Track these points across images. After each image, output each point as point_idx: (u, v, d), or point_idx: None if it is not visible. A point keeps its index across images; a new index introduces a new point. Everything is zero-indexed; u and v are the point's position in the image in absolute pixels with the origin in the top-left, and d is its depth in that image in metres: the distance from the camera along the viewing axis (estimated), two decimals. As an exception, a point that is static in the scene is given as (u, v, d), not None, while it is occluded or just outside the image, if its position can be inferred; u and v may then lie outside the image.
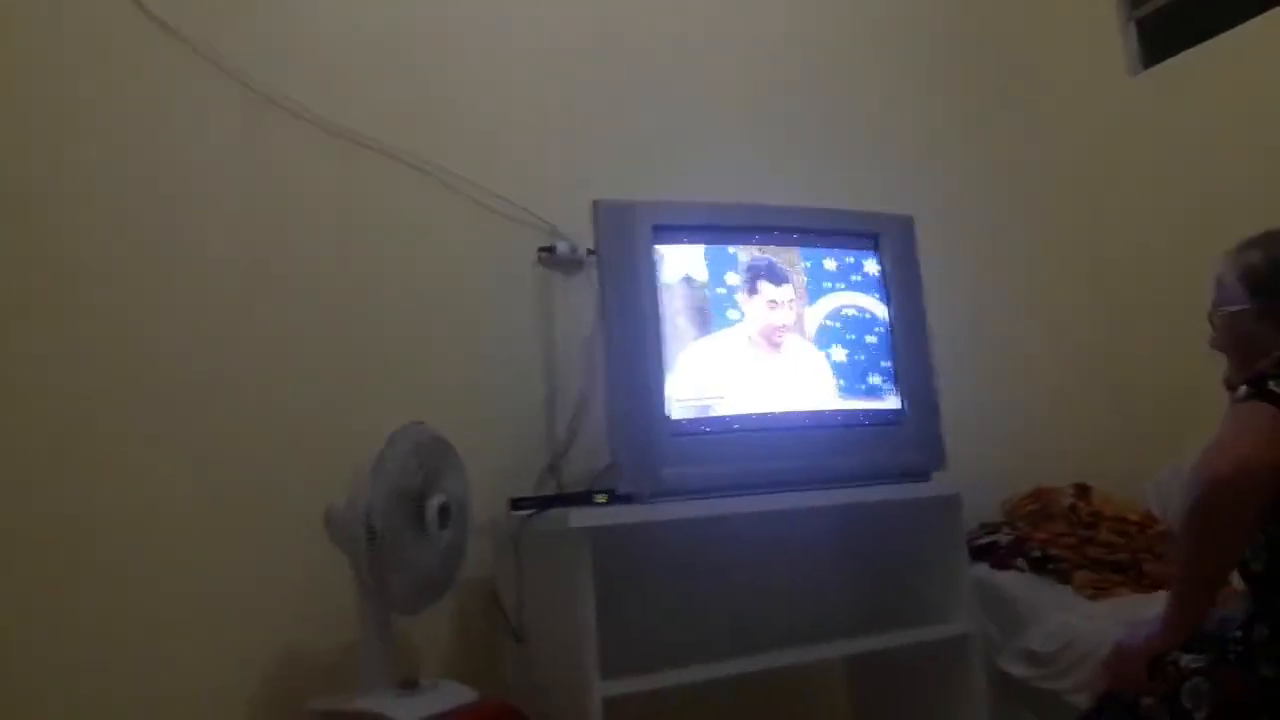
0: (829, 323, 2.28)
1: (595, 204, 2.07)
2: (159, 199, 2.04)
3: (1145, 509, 2.84)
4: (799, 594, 2.45)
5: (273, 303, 2.11)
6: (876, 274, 2.34)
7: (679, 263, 2.13)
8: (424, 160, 2.28)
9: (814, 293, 2.27)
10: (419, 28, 2.38)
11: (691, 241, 2.16)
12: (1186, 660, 1.50)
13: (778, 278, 2.23)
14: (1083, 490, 2.83)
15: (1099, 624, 2.39)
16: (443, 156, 2.31)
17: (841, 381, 2.27)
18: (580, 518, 1.92)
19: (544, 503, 2.05)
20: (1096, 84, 3.29)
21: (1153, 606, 2.32)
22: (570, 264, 2.39)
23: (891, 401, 2.31)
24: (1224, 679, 1.44)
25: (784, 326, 2.22)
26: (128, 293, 1.98)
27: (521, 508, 2.07)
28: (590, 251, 2.24)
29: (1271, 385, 1.44)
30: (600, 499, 2.01)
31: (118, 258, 1.98)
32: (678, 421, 2.06)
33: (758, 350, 2.20)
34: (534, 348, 2.36)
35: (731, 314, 2.17)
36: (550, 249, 2.39)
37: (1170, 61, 3.12)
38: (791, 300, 2.24)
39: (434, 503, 1.85)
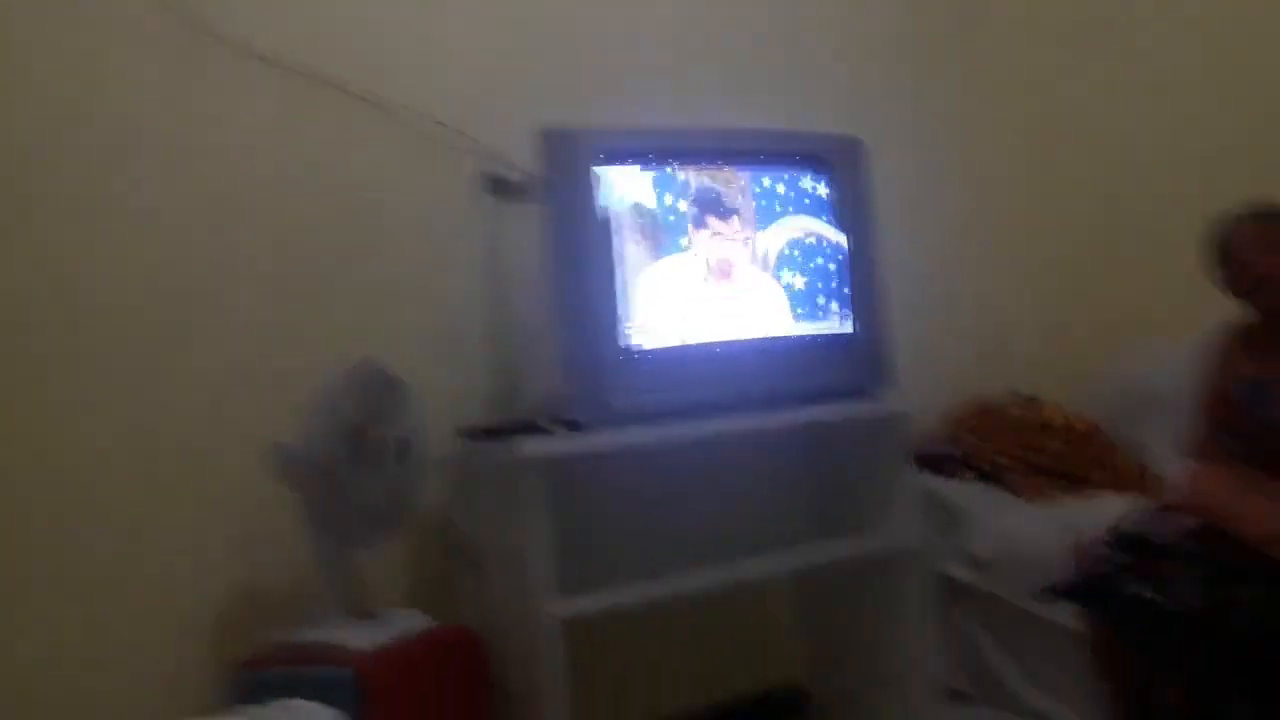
0: (781, 248, 2.26)
1: (544, 131, 2.03)
2: (92, 142, 1.94)
3: (1087, 417, 2.92)
4: (752, 513, 2.50)
5: (208, 240, 2.04)
6: (826, 197, 2.32)
7: (627, 188, 2.09)
8: (362, 88, 2.20)
9: (764, 217, 2.24)
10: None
11: (639, 165, 2.12)
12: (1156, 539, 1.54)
13: (725, 211, 2.20)
14: (1031, 401, 2.89)
15: (1041, 528, 2.49)
16: (381, 83, 2.22)
17: (794, 307, 2.27)
18: (531, 447, 1.94)
19: (495, 433, 2.06)
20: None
21: (1094, 511, 2.44)
22: (516, 191, 2.34)
23: (844, 325, 2.32)
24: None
25: (730, 259, 2.21)
26: (61, 236, 1.91)
27: (473, 438, 2.08)
28: (537, 178, 2.20)
29: None
30: (551, 427, 2.03)
31: (48, 200, 1.90)
32: (629, 349, 2.05)
33: (709, 278, 2.18)
34: (484, 278, 2.33)
35: (682, 241, 2.15)
36: (496, 176, 2.34)
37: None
38: (739, 233, 2.21)
39: (381, 436, 1.86)
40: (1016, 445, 2.77)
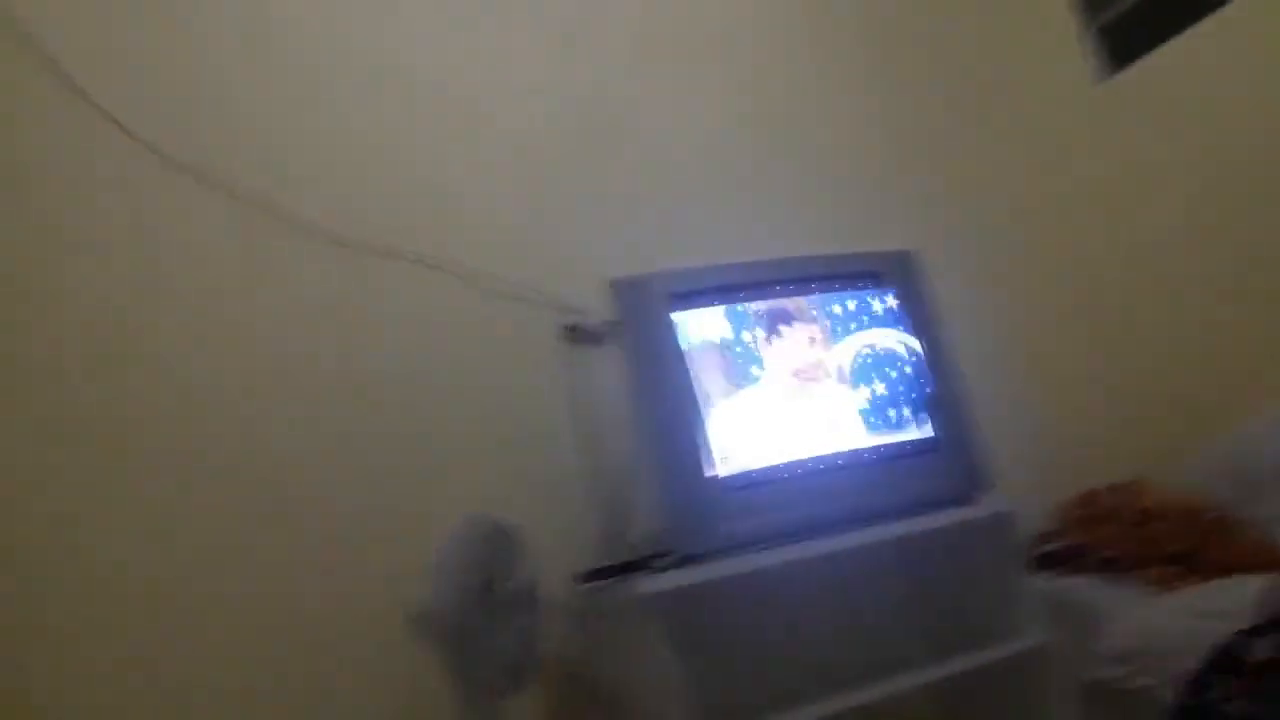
0: (857, 361, 2.34)
1: (613, 282, 2.17)
2: (168, 328, 2.10)
3: (1198, 496, 2.83)
4: (870, 631, 2.47)
5: (319, 417, 2.19)
6: (893, 308, 2.41)
7: (698, 326, 2.21)
8: (430, 256, 2.37)
9: (835, 335, 2.34)
10: (403, 122, 2.47)
11: (707, 304, 2.25)
12: (1256, 651, 1.49)
13: (796, 318, 2.31)
14: (1131, 484, 2.84)
15: (1176, 620, 2.38)
16: (447, 250, 2.39)
17: (875, 418, 2.32)
18: (645, 584, 1.97)
19: (609, 573, 2.09)
20: (1063, 94, 3.35)
21: (1229, 591, 2.35)
22: (594, 338, 2.47)
23: (926, 430, 2.36)
24: None
25: (813, 365, 2.29)
26: (159, 433, 2.05)
27: (588, 580, 2.11)
28: (611, 324, 2.33)
29: None
30: (661, 563, 2.05)
31: (141, 390, 2.04)
32: (722, 478, 2.11)
33: (790, 395, 2.25)
34: (574, 424, 2.43)
35: (755, 370, 2.24)
36: (575, 326, 2.48)
37: (1132, 68, 3.16)
38: (813, 337, 2.31)
39: (506, 587, 1.90)
40: (1123, 533, 2.69)
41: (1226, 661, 1.52)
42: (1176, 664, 2.26)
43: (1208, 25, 2.97)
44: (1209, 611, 2.29)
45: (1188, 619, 2.32)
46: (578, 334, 2.47)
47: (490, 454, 2.32)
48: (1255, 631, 1.52)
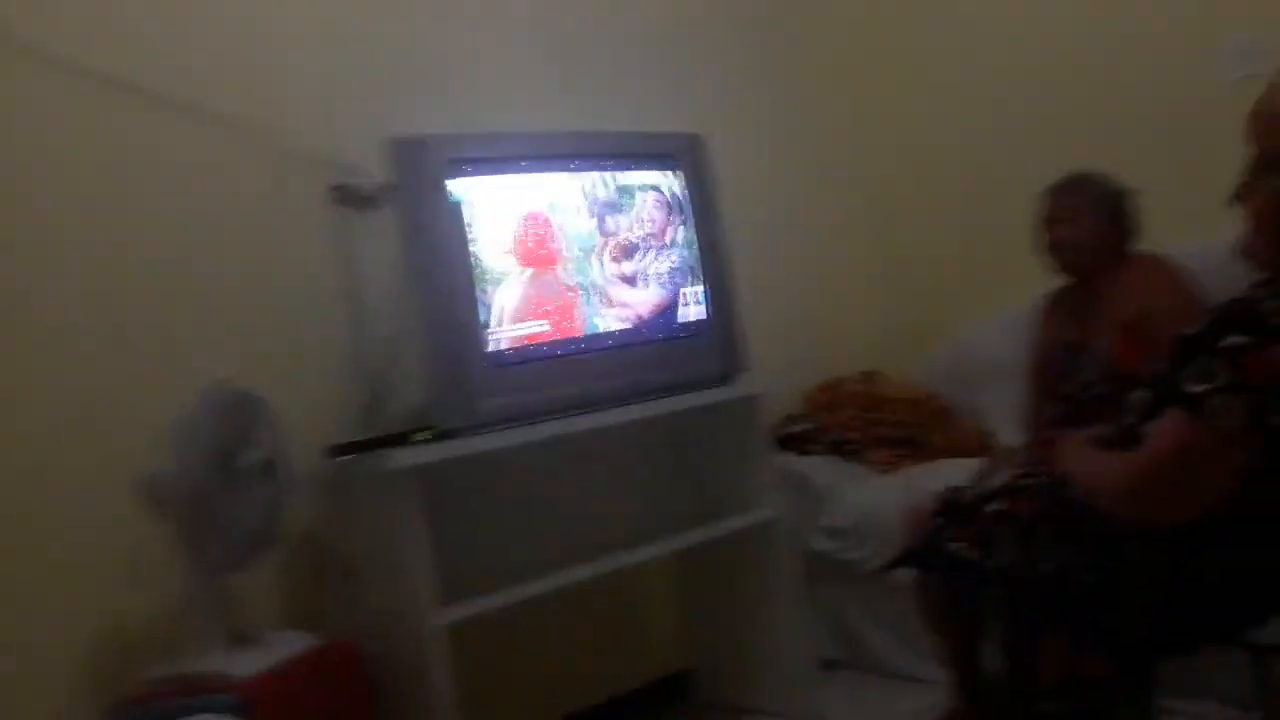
0: (634, 243, 2.34)
1: (392, 140, 2.03)
2: None
3: (926, 388, 3.12)
4: (623, 504, 2.58)
5: (64, 272, 1.97)
6: (677, 192, 2.42)
7: (479, 195, 2.13)
8: (196, 102, 2.15)
9: (619, 213, 2.32)
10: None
11: (491, 173, 2.15)
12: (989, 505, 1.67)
13: (581, 195, 2.27)
14: (870, 375, 3.07)
15: (890, 496, 2.64)
16: (218, 97, 2.18)
17: (653, 299, 2.35)
18: (400, 458, 1.95)
19: (363, 447, 2.05)
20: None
21: (938, 474, 2.62)
22: (368, 201, 2.33)
23: (697, 313, 2.42)
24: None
25: (593, 244, 2.27)
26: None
27: (341, 454, 2.07)
28: (387, 186, 2.20)
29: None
30: (420, 437, 2.03)
31: None
32: (491, 354, 2.09)
33: (567, 272, 2.23)
34: (339, 290, 2.31)
35: (534, 246, 2.19)
36: (343, 186, 2.32)
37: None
38: (597, 216, 2.28)
39: (247, 459, 1.83)
40: (860, 418, 2.93)
41: (957, 508, 1.68)
42: (883, 537, 2.53)
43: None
44: (922, 489, 2.55)
45: (901, 495, 2.59)
46: (348, 195, 2.31)
47: (248, 319, 2.17)
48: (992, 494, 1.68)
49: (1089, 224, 2.27)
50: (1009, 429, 2.80)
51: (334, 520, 2.13)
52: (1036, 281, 2.44)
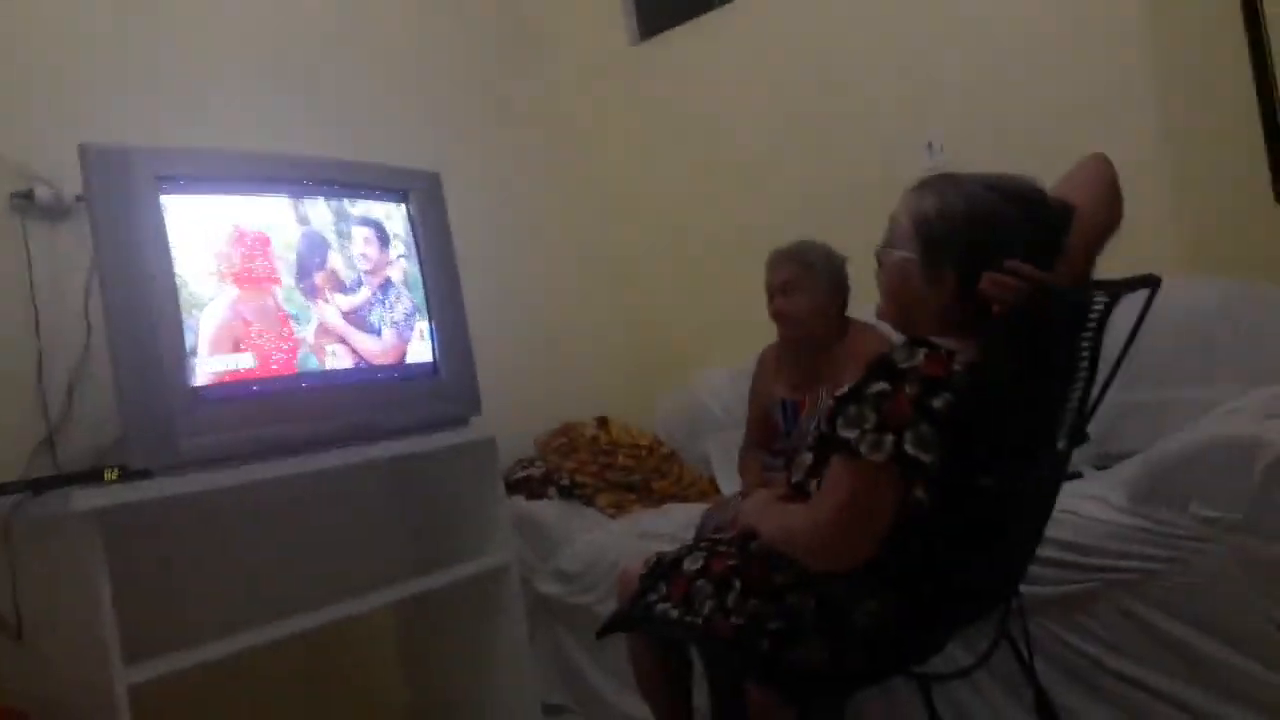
0: (363, 276, 2.26)
1: (82, 148, 1.85)
2: None
3: (654, 435, 3.21)
4: (347, 551, 2.46)
5: None
6: (405, 229, 2.36)
7: (189, 214, 1.97)
8: None
9: (344, 245, 2.23)
10: None
11: (204, 192, 2.01)
12: (687, 564, 1.73)
13: (304, 222, 2.17)
14: (603, 422, 3.12)
15: (618, 540, 2.67)
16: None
17: (376, 337, 2.26)
18: (83, 499, 1.75)
19: (37, 486, 1.83)
20: (602, 52, 3.56)
21: (664, 517, 2.68)
22: (54, 212, 2.10)
23: (426, 354, 2.36)
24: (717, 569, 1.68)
25: (319, 275, 2.17)
26: None
27: (8, 492, 1.83)
28: (78, 198, 2.00)
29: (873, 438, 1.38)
30: (110, 475, 1.84)
31: None
32: (197, 386, 1.93)
33: (287, 303, 2.11)
34: (20, 309, 2.07)
35: (249, 271, 2.05)
36: (26, 193, 2.09)
37: (666, 34, 3.47)
38: (319, 246, 2.18)
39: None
40: (592, 463, 2.96)
41: (661, 570, 1.73)
42: (609, 582, 2.55)
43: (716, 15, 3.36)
44: (649, 532, 2.60)
45: (629, 540, 2.62)
46: (34, 204, 2.08)
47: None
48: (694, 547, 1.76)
49: (809, 295, 2.44)
50: (729, 476, 2.94)
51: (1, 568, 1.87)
52: (766, 337, 2.58)
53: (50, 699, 1.79)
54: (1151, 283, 1.47)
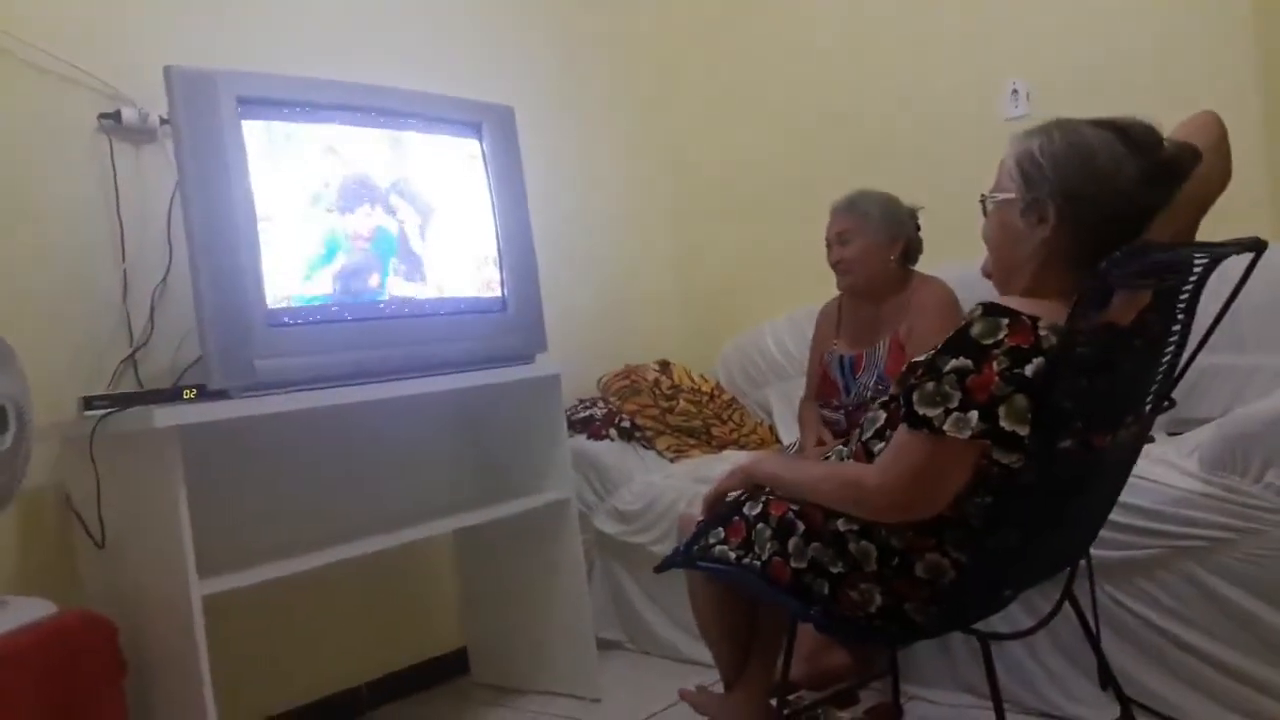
0: (435, 211, 2.26)
1: (168, 70, 1.87)
2: None
3: (714, 380, 3.20)
4: (412, 481, 2.51)
5: None
6: (479, 163, 2.36)
7: (271, 140, 2.00)
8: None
9: (417, 177, 2.23)
10: None
11: (287, 119, 2.03)
12: (747, 508, 1.73)
13: (388, 154, 2.18)
14: (664, 366, 3.12)
15: (677, 482, 2.70)
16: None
17: (447, 270, 2.28)
18: (164, 416, 1.79)
19: (122, 401, 1.89)
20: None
21: (723, 463, 2.69)
22: (140, 134, 2.14)
23: (496, 289, 2.37)
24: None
25: (395, 207, 2.18)
26: None
27: (95, 407, 1.89)
28: (164, 120, 2.03)
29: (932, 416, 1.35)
30: (188, 394, 1.89)
31: None
32: (274, 310, 1.96)
33: (364, 234, 2.13)
34: (107, 230, 2.11)
35: (329, 200, 2.07)
36: (114, 115, 2.12)
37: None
38: (401, 179, 2.19)
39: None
40: (653, 406, 2.97)
41: (726, 511, 1.74)
42: (666, 522, 2.57)
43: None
44: (707, 478, 2.61)
45: (687, 484, 2.64)
46: (121, 126, 2.11)
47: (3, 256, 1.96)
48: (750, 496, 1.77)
49: (863, 245, 2.42)
50: (789, 426, 2.94)
51: (86, 480, 1.94)
52: (832, 288, 2.55)
53: (130, 605, 1.86)
54: (1258, 246, 1.42)
